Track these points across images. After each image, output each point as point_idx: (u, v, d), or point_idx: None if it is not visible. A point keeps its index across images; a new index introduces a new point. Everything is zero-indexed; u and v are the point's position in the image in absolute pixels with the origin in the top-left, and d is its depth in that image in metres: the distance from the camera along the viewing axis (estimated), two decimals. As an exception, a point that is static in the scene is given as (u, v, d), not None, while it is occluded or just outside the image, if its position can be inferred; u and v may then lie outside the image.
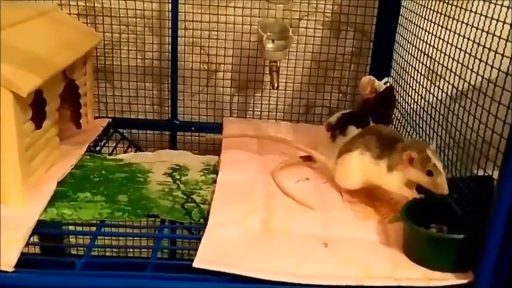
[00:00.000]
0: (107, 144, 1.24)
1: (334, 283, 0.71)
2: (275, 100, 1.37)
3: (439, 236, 0.77)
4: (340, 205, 0.94)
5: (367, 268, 0.74)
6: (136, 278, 0.72)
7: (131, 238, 1.25)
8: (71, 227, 1.12)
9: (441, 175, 0.81)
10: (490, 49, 0.76)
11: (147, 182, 0.99)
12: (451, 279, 0.73)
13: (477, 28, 0.81)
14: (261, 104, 1.38)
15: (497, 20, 0.75)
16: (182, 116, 1.35)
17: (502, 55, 0.73)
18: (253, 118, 1.38)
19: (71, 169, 1.00)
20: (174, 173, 1.02)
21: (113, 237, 1.28)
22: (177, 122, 1.33)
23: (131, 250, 1.41)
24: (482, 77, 0.78)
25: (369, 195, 0.97)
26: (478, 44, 0.80)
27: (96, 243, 0.84)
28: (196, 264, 0.73)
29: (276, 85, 1.21)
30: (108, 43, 1.31)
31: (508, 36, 0.72)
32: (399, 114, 1.20)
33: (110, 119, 1.28)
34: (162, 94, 1.36)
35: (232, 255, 0.75)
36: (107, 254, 1.41)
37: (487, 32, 0.77)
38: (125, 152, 1.24)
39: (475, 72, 0.81)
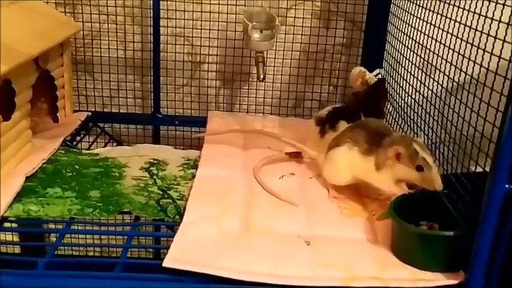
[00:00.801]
0: (85, 139, 1.19)
1: (315, 284, 0.66)
2: (263, 93, 1.32)
3: (428, 233, 0.71)
4: (326, 202, 0.89)
5: (351, 268, 0.69)
6: (100, 279, 0.66)
7: (105, 236, 1.19)
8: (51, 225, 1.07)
9: (432, 169, 0.75)
10: (489, 35, 0.69)
11: (122, 177, 0.93)
12: (441, 279, 0.67)
13: (474, 13, 0.74)
14: (248, 97, 1.32)
15: (496, 2, 0.69)
16: (165, 109, 1.30)
17: (504, 41, 0.66)
18: (239, 112, 1.32)
19: (43, 164, 0.95)
20: (152, 168, 0.97)
21: (87, 236, 1.22)
22: (160, 116, 1.28)
23: (107, 249, 1.35)
24: (481, 65, 0.70)
25: (357, 192, 0.92)
26: (476, 30, 0.73)
27: (63, 241, 0.79)
28: (166, 263, 0.67)
29: (262, 76, 1.15)
30: (88, 34, 1.26)
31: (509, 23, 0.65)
32: (392, 108, 1.14)
33: (89, 113, 1.23)
34: (145, 87, 1.30)
35: (206, 254, 0.70)
36: (81, 253, 1.35)
37: (485, 17, 0.71)
38: (105, 146, 1.18)
39: (472, 61, 0.73)
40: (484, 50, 0.70)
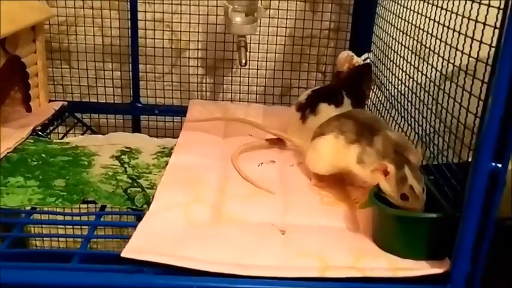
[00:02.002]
0: (59, 130, 1.14)
1: (286, 275, 0.60)
2: (247, 81, 1.27)
3: (408, 215, 0.65)
4: (306, 190, 0.83)
5: (326, 258, 0.64)
6: (54, 270, 0.61)
7: (70, 227, 1.13)
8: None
9: (417, 201, 0.65)
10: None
11: (91, 165, 0.88)
12: (425, 268, 0.62)
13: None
14: (232, 85, 1.27)
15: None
16: (146, 99, 1.25)
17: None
18: (223, 101, 1.27)
19: (8, 153, 0.90)
20: (123, 156, 0.92)
21: (52, 226, 1.17)
22: (140, 106, 1.23)
23: (72, 240, 1.29)
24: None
25: (341, 179, 0.86)
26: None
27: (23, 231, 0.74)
28: (125, 253, 0.62)
29: (243, 62, 1.10)
30: (64, 21, 1.20)
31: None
32: (382, 97, 1.08)
33: (65, 103, 1.18)
34: (124, 75, 1.25)
35: (170, 243, 0.65)
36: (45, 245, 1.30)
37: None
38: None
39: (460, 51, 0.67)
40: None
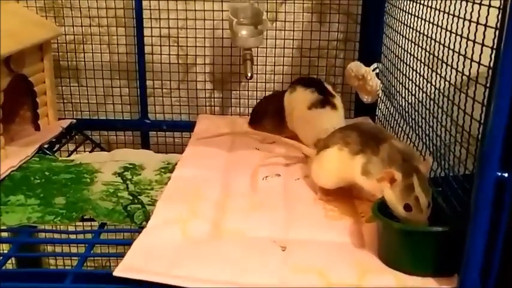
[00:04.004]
0: (69, 147, 1.13)
1: (283, 293, 0.58)
2: (255, 95, 1.25)
3: (414, 229, 0.61)
4: (311, 204, 0.80)
5: (327, 275, 0.61)
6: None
7: (66, 244, 1.12)
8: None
9: (421, 215, 0.62)
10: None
11: (93, 182, 0.87)
12: (432, 285, 0.59)
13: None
14: (240, 99, 1.25)
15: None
16: (154, 115, 1.24)
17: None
18: (231, 115, 1.25)
19: (11, 171, 0.89)
20: (126, 173, 0.91)
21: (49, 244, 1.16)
22: (148, 122, 1.22)
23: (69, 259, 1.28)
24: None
25: (348, 193, 0.83)
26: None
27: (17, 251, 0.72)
28: (117, 272, 0.60)
29: (249, 75, 1.09)
30: (72, 39, 1.21)
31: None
32: (392, 108, 1.04)
33: (74, 120, 1.18)
34: (132, 92, 1.24)
35: (164, 261, 0.63)
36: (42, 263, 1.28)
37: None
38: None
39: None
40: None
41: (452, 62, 0.71)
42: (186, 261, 0.63)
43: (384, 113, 1.08)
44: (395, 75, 1.01)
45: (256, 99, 1.24)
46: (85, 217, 0.77)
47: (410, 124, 0.89)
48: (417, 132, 0.85)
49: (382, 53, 1.13)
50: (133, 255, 0.64)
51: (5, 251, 0.70)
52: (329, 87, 1.06)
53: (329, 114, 1.01)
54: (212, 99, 1.26)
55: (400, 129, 0.95)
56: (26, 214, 0.76)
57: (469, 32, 0.65)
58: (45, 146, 1.03)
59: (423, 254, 0.60)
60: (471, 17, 0.65)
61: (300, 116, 1.03)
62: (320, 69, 1.23)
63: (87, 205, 0.78)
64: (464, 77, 0.68)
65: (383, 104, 1.09)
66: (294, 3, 1.18)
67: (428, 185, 0.64)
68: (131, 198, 0.81)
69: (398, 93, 1.00)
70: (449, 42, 0.72)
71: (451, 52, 0.72)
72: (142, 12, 1.15)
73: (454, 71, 0.71)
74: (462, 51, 0.68)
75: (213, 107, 1.26)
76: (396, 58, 1.00)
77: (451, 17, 0.73)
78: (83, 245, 1.15)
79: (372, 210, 0.65)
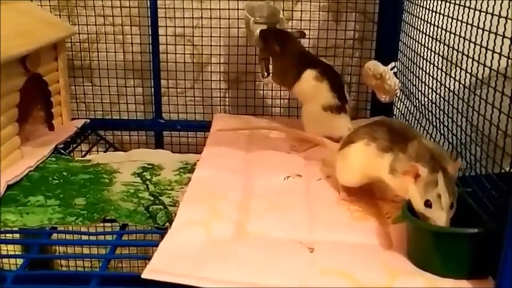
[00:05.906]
0: (82, 147, 1.13)
1: (312, 296, 0.56)
2: (271, 94, 1.24)
3: (446, 231, 0.60)
4: (334, 204, 0.79)
5: (356, 277, 0.59)
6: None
7: (87, 246, 1.11)
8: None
9: (441, 214, 0.60)
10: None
11: (112, 183, 0.86)
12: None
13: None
14: (255, 98, 1.24)
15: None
16: (168, 114, 1.23)
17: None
18: (246, 115, 1.24)
19: (29, 171, 0.88)
20: (145, 173, 0.90)
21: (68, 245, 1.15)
22: (162, 121, 1.21)
23: (89, 260, 1.27)
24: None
25: (371, 193, 0.82)
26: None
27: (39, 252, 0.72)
28: (145, 274, 0.59)
29: (265, 75, 1.08)
30: (86, 38, 1.20)
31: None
32: (412, 107, 1.03)
33: (88, 120, 1.17)
34: (146, 91, 1.24)
35: (190, 263, 0.62)
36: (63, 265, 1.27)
37: None
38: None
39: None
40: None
41: (475, 55, 0.70)
42: (212, 263, 0.62)
43: (402, 112, 1.07)
44: (416, 73, 1.00)
45: (272, 99, 1.23)
46: (106, 218, 0.76)
47: (434, 123, 0.87)
48: (442, 131, 0.83)
49: (400, 51, 1.12)
50: (160, 257, 0.63)
51: (18, 252, 0.69)
52: (345, 89, 1.05)
53: (341, 120, 1.02)
54: (227, 99, 1.25)
55: (421, 128, 0.94)
56: (46, 215, 0.75)
57: (491, 24, 0.64)
58: (60, 146, 1.03)
59: (456, 256, 0.59)
60: (493, 11, 0.64)
61: (311, 111, 1.03)
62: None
63: (108, 206, 0.77)
64: (486, 69, 0.67)
65: (401, 103, 1.08)
66: (310, 2, 1.17)
67: (454, 187, 0.63)
68: (152, 199, 0.81)
69: (419, 91, 0.98)
70: (471, 35, 0.71)
71: (474, 45, 0.71)
72: (157, 11, 1.14)
73: (476, 64, 0.70)
74: (484, 44, 0.67)
75: (227, 107, 1.25)
76: (417, 56, 0.99)
77: (471, 10, 0.72)
78: (103, 246, 1.16)
79: (401, 211, 0.64)
